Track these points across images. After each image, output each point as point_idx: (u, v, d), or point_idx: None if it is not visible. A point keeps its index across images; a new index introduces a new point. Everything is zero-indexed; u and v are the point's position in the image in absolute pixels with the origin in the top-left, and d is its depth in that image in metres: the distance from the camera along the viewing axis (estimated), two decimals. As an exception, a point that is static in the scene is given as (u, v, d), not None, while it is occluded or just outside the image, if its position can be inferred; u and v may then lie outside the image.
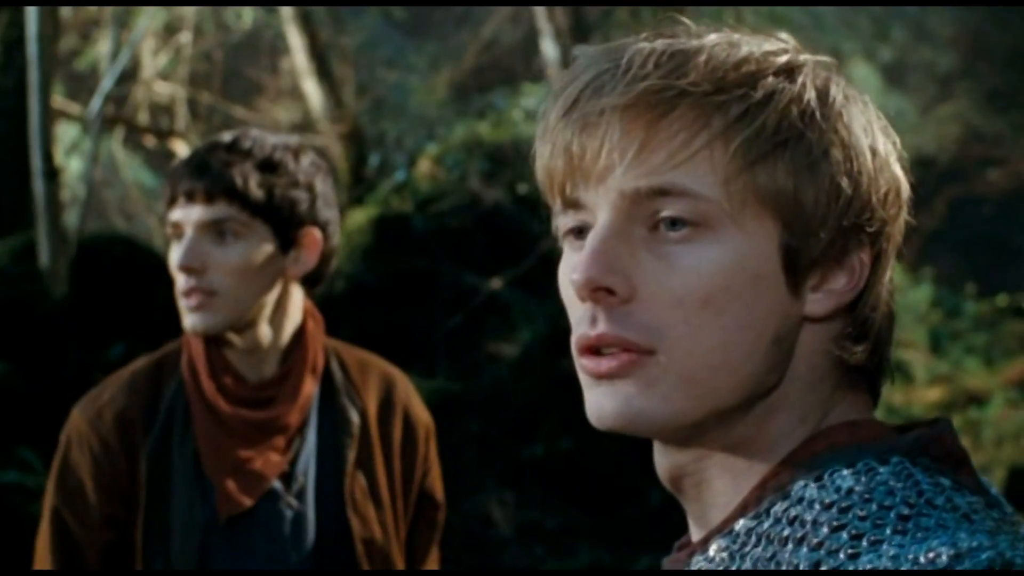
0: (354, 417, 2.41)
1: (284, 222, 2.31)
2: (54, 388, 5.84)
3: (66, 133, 9.44)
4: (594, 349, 1.06)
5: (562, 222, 1.11)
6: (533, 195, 9.61)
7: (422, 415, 2.50)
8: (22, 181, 6.83)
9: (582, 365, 1.07)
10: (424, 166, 9.84)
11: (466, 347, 8.64)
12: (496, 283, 8.89)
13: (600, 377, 1.06)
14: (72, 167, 9.11)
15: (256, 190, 2.29)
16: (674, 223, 1.05)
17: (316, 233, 2.36)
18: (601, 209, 1.06)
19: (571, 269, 1.07)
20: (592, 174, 1.06)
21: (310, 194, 2.34)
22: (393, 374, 2.49)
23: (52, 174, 6.49)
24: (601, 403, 1.06)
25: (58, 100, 8.84)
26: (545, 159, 1.09)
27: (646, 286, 1.05)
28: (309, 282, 2.40)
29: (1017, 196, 13.62)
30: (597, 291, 1.05)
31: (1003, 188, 13.43)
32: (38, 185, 6.43)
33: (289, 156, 2.33)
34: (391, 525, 2.41)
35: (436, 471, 2.52)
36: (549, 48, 8.78)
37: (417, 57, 11.56)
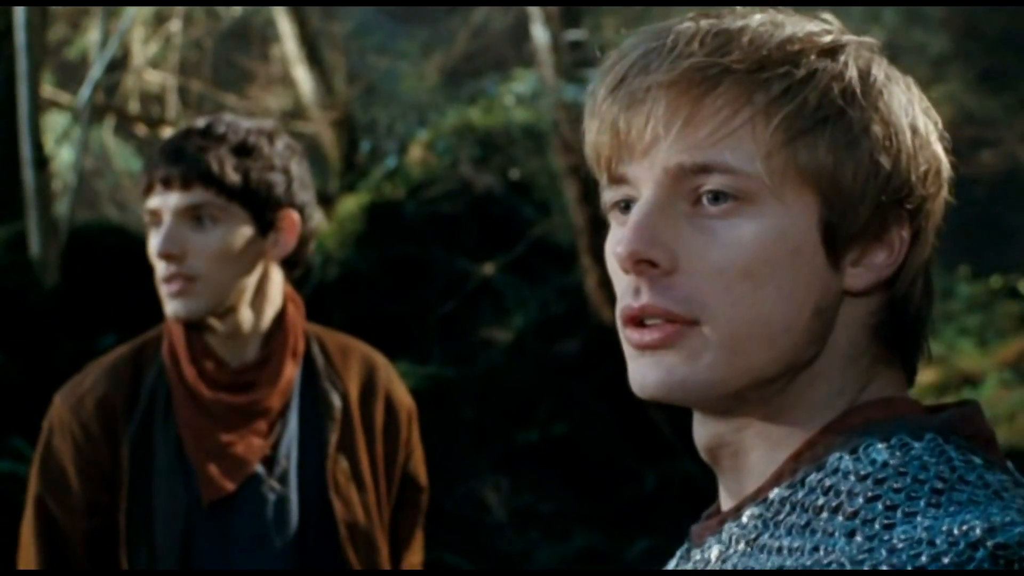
0: (336, 401, 2.41)
1: (261, 205, 2.32)
2: (46, 377, 5.82)
3: (56, 122, 9.41)
4: (638, 320, 1.08)
5: (608, 196, 1.13)
6: (525, 180, 9.61)
7: (404, 399, 2.51)
8: (12, 170, 6.81)
9: (626, 336, 1.09)
10: (415, 152, 9.84)
11: (459, 333, 8.64)
12: (488, 268, 8.89)
13: (644, 348, 1.08)
14: (63, 156, 9.10)
15: (232, 174, 2.29)
16: (716, 197, 1.06)
17: (294, 215, 2.37)
18: (645, 184, 1.08)
19: (616, 242, 1.09)
20: (637, 149, 1.08)
21: (286, 177, 2.35)
22: (374, 358, 2.50)
23: (42, 163, 6.48)
24: (644, 373, 1.08)
25: (48, 89, 8.82)
26: (593, 135, 1.11)
27: (688, 258, 1.06)
28: (288, 264, 2.41)
29: (1010, 177, 13.63)
30: (640, 263, 1.07)
31: (996, 169, 13.42)
32: (28, 174, 6.42)
33: (264, 140, 2.34)
34: (374, 508, 2.41)
35: (419, 454, 2.52)
36: (539, 33, 8.76)
37: (408, 43, 11.55)
